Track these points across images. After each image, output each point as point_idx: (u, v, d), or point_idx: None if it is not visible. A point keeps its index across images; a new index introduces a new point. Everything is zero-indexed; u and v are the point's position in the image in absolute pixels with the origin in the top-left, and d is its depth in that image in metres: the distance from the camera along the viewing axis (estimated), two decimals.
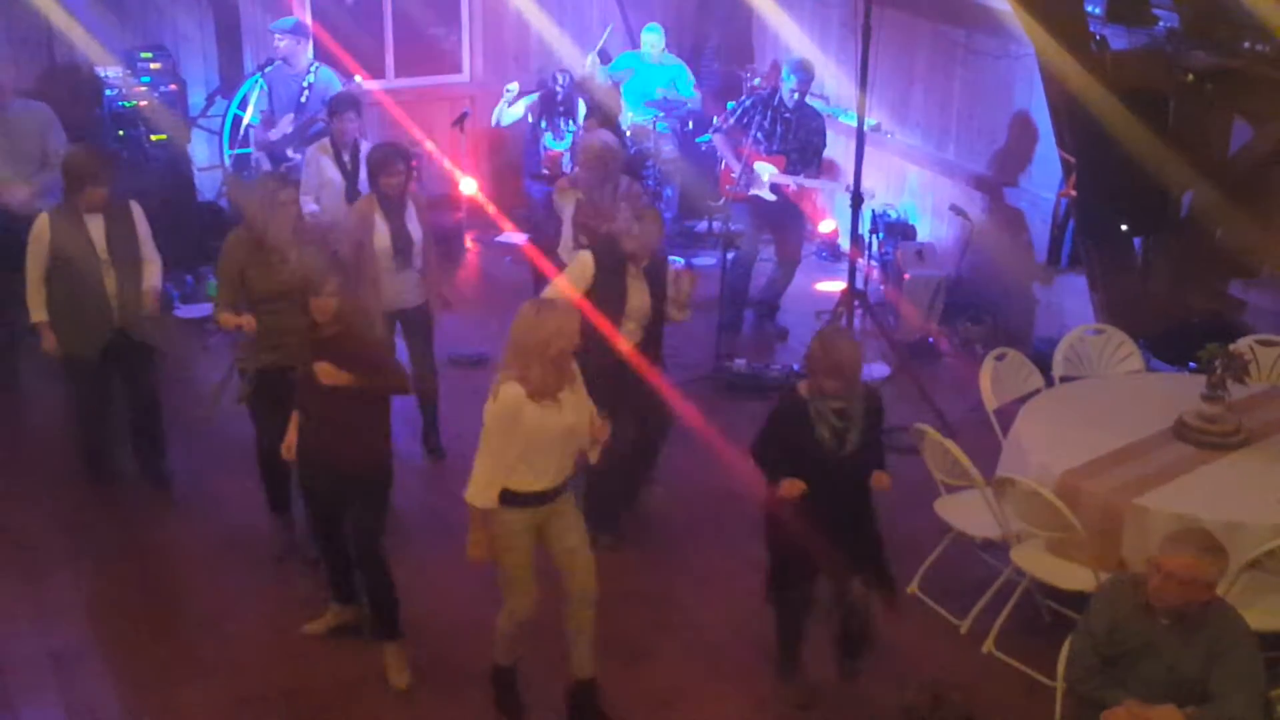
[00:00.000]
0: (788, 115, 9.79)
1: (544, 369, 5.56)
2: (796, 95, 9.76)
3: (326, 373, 5.96)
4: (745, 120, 9.89)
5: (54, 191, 8.02)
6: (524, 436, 5.59)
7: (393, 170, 7.70)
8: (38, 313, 7.50)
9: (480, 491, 5.65)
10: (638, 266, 7.21)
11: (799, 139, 9.82)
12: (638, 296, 7.23)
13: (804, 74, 9.79)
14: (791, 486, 5.72)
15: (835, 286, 10.08)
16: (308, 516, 6.54)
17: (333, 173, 8.55)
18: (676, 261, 10.83)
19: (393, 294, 7.87)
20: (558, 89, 10.88)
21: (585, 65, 11.75)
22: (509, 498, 5.67)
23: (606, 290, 7.12)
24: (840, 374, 5.72)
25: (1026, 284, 9.98)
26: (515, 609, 5.89)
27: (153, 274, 7.65)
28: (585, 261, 7.15)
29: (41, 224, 7.40)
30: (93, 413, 7.87)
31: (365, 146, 8.56)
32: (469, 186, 11.66)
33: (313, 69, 10.12)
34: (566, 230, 8.22)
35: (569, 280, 7.16)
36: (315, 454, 6.21)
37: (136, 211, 7.63)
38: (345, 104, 8.69)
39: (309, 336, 6.10)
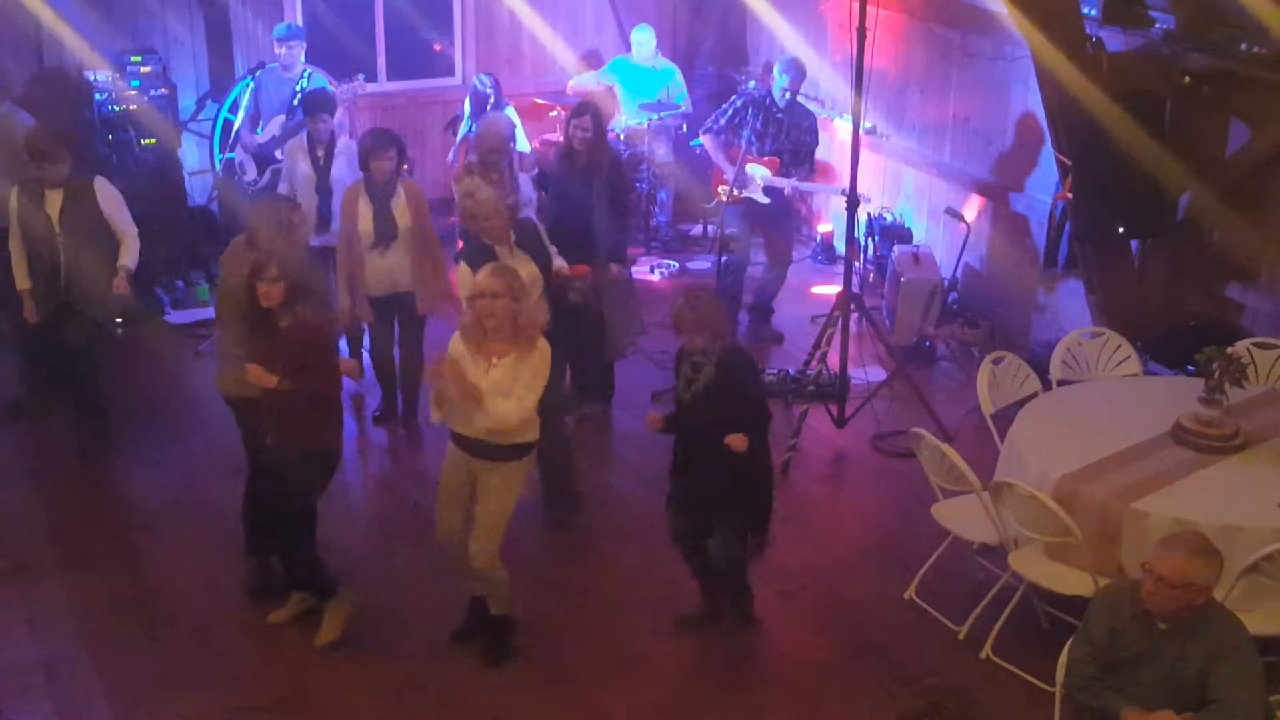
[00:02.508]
0: (780, 115, 9.75)
1: (472, 323, 6.10)
2: (788, 94, 9.73)
3: (256, 375, 6.16)
4: (737, 121, 9.86)
5: None
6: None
7: (384, 155, 8.04)
8: (20, 279, 7.92)
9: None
10: (506, 245, 7.23)
11: (792, 140, 9.79)
12: (523, 270, 7.16)
13: (796, 72, 9.75)
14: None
15: (831, 290, 10.04)
16: (247, 497, 6.88)
17: (305, 166, 8.87)
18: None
19: (377, 278, 8.21)
20: (487, 92, 10.74)
21: (570, 85, 11.72)
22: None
23: None
24: (701, 330, 6.16)
25: (1023, 287, 9.96)
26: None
27: (127, 251, 7.92)
28: (465, 273, 7.06)
29: (11, 194, 7.86)
30: (31, 345, 8.43)
31: (341, 143, 8.93)
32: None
33: (305, 74, 10.09)
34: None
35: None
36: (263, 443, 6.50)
37: (102, 189, 7.91)
38: (320, 105, 8.94)
39: (260, 324, 6.23)
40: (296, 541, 6.51)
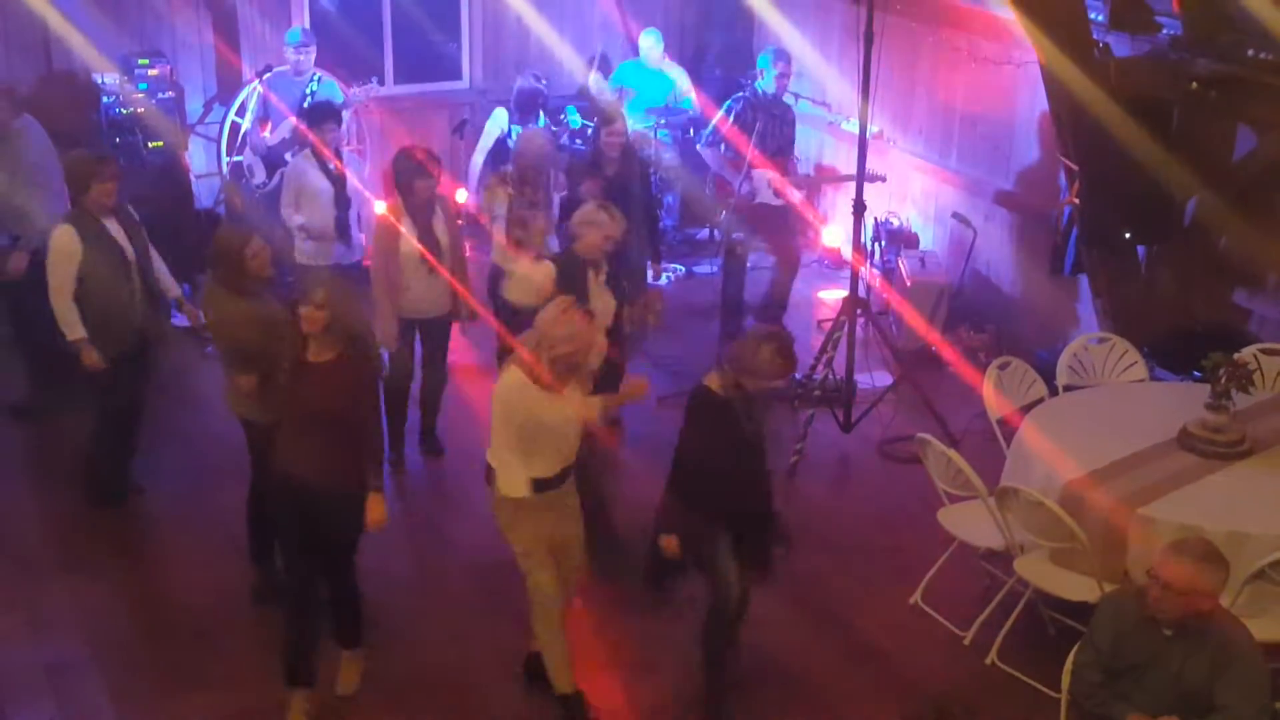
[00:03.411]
0: (776, 112, 9.71)
1: (552, 364, 5.69)
2: (778, 81, 9.64)
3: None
4: (741, 124, 9.75)
5: None
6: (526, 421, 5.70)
7: (430, 175, 7.76)
8: (75, 329, 7.27)
9: (510, 483, 5.82)
10: (599, 270, 7.20)
11: (788, 137, 9.77)
12: (600, 301, 7.20)
13: (785, 61, 9.69)
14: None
15: (837, 295, 10.03)
16: (281, 545, 6.38)
17: (321, 181, 8.53)
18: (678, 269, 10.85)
19: (430, 300, 7.97)
20: (539, 86, 10.73)
21: (589, 82, 11.71)
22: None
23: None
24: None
25: (1030, 292, 9.95)
26: (536, 593, 5.99)
27: (164, 270, 7.74)
28: (541, 274, 7.08)
29: (67, 236, 7.18)
30: (124, 425, 7.73)
31: (346, 153, 8.77)
32: (464, 194, 11.62)
33: (315, 78, 10.09)
34: (499, 234, 8.20)
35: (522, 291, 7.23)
36: (293, 477, 6.00)
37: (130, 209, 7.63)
38: (325, 115, 8.71)
39: (299, 358, 5.94)
40: (343, 581, 6.27)
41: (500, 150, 10.66)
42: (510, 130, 10.76)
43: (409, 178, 7.75)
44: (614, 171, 8.55)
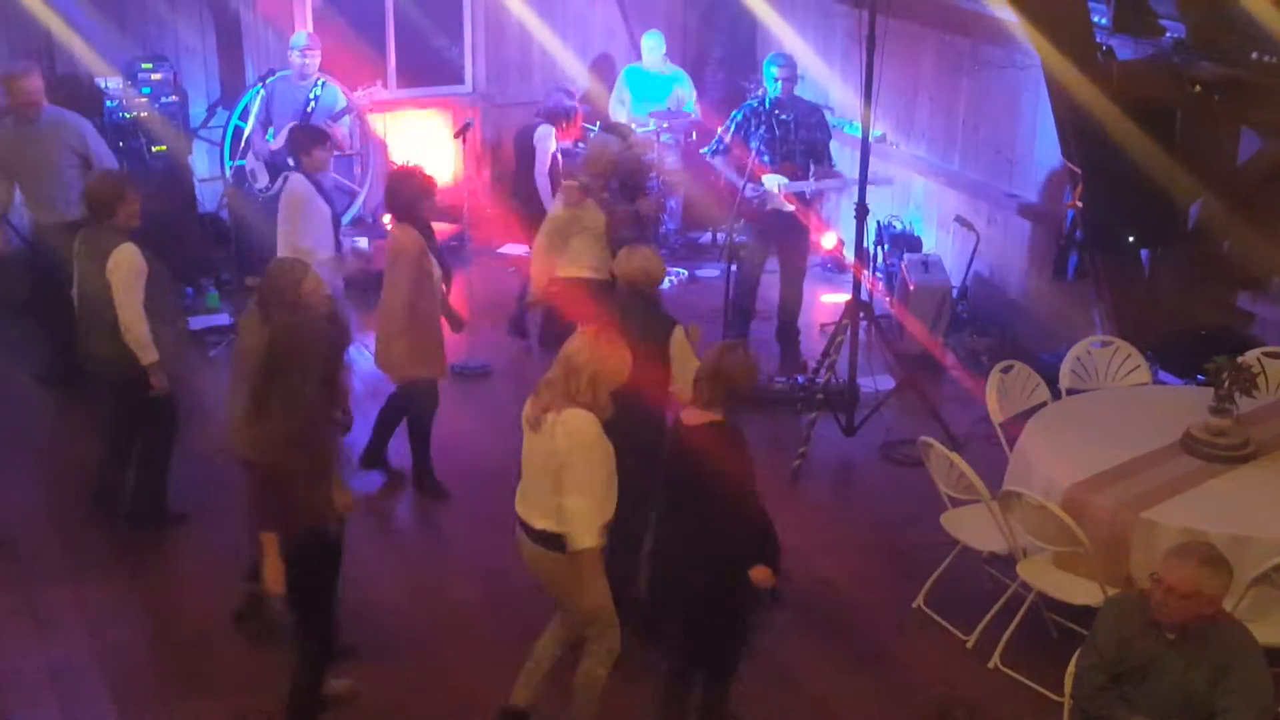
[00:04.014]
0: (783, 117, 9.66)
1: (609, 397, 5.42)
2: (781, 85, 9.56)
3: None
4: (742, 135, 9.68)
5: None
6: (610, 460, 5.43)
7: (433, 194, 7.67)
8: (151, 351, 7.13)
9: (591, 530, 5.40)
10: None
11: (801, 138, 9.64)
12: None
13: (787, 63, 9.63)
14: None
15: (839, 298, 10.02)
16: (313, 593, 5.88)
17: (321, 204, 8.27)
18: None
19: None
20: (572, 103, 10.68)
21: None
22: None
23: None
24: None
25: (1033, 296, 9.94)
26: (613, 645, 5.73)
27: None
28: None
29: (132, 254, 7.03)
30: (170, 447, 7.58)
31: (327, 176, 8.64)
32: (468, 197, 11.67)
33: (318, 82, 10.10)
34: (582, 244, 8.20)
35: None
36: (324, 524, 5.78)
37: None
38: (313, 140, 8.41)
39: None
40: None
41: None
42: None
43: (414, 201, 7.59)
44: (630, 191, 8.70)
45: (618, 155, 8.50)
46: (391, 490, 8.21)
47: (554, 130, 10.29)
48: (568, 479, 5.35)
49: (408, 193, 7.60)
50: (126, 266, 7.05)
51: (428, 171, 7.83)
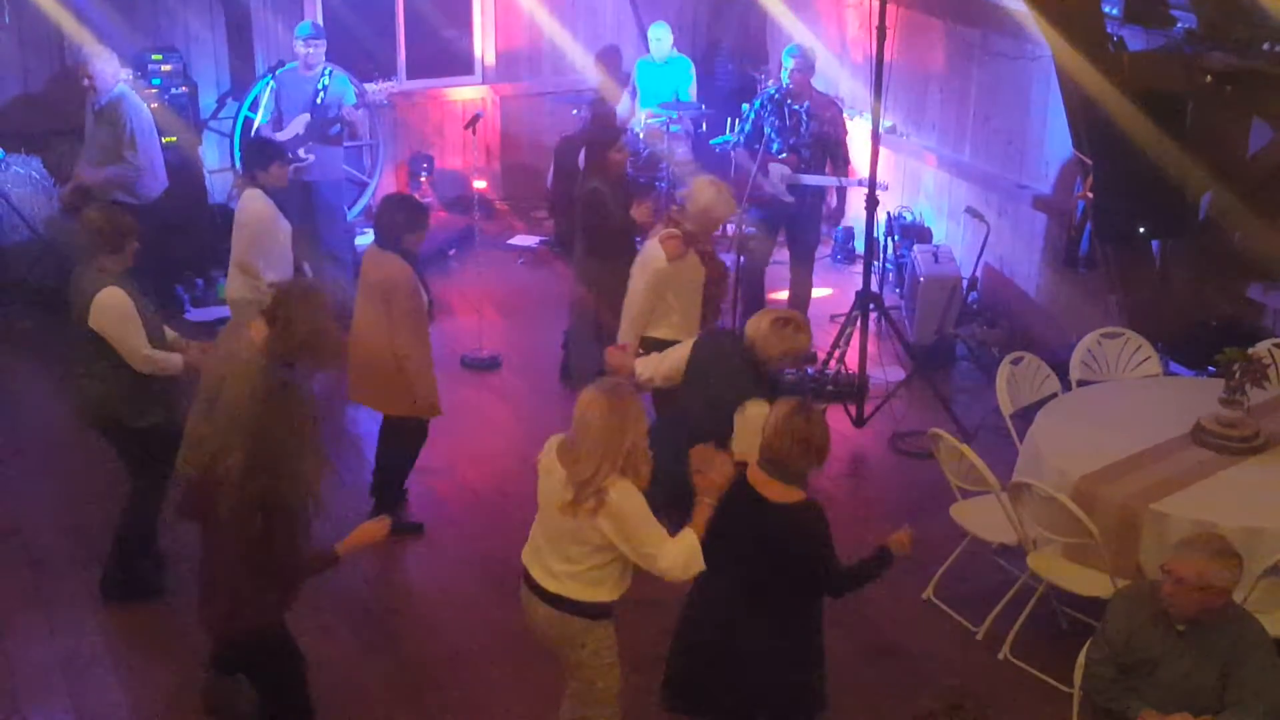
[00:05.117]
0: (795, 107, 9.65)
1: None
2: (791, 75, 9.53)
3: None
4: (759, 123, 9.72)
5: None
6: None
7: (425, 224, 7.28)
8: (168, 363, 6.68)
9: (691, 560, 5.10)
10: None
11: (810, 132, 9.64)
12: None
13: (801, 55, 9.61)
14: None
15: (850, 289, 10.02)
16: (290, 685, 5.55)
17: (283, 223, 7.79)
18: None
19: None
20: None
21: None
22: (606, 609, 5.26)
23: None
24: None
25: (1043, 287, 9.93)
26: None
27: None
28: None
29: (120, 298, 6.52)
30: (161, 497, 6.99)
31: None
32: (480, 188, 11.64)
33: (326, 71, 10.10)
34: (676, 300, 7.29)
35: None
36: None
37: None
38: (272, 154, 7.98)
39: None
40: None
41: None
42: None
43: (401, 231, 7.13)
44: (620, 188, 8.59)
45: (712, 204, 7.36)
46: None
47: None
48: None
49: (399, 221, 7.13)
50: (116, 313, 6.54)
51: (418, 200, 7.53)
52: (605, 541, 5.02)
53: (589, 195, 8.37)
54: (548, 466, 5.16)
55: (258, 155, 7.97)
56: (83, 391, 6.76)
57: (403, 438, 7.51)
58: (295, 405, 5.44)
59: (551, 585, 5.19)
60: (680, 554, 5.03)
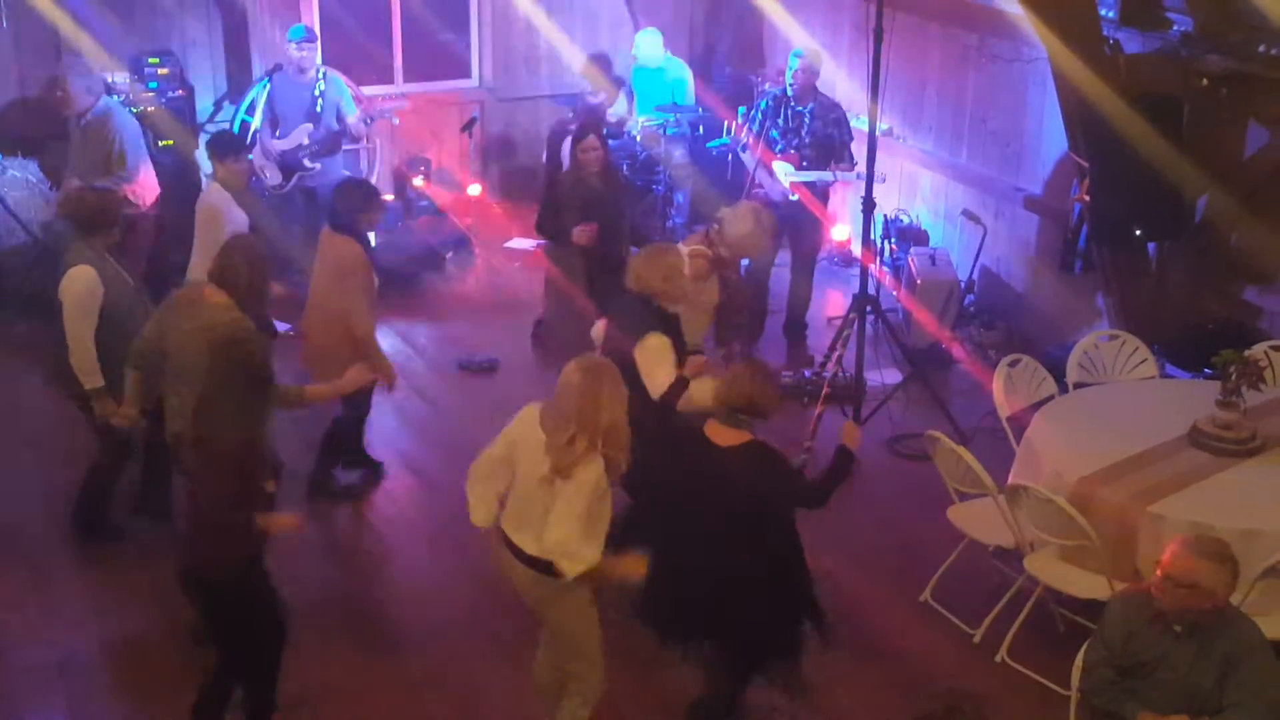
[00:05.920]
0: (798, 109, 9.66)
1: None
2: (794, 76, 9.55)
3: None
4: (764, 122, 9.71)
5: None
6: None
7: (378, 207, 7.77)
8: (95, 377, 6.80)
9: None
10: None
11: (813, 133, 9.63)
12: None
13: (807, 57, 9.61)
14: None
15: (847, 292, 10.02)
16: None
17: (238, 214, 7.99)
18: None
19: None
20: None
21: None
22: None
23: None
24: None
25: (1040, 289, 9.93)
26: (596, 688, 5.68)
27: None
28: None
29: (89, 278, 6.72)
30: (119, 466, 7.34)
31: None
32: (475, 191, 11.66)
33: (321, 74, 10.10)
34: (688, 317, 7.12)
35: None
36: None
37: None
38: (234, 146, 8.29)
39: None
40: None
41: None
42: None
43: (358, 212, 7.55)
44: (598, 184, 8.57)
45: (749, 233, 7.46)
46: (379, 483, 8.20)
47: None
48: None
49: (353, 204, 7.54)
50: (77, 291, 6.74)
51: (374, 185, 7.97)
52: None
53: (547, 182, 8.53)
54: (525, 435, 5.45)
55: (214, 146, 8.31)
56: (49, 356, 7.07)
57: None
58: (257, 342, 5.87)
59: (533, 549, 5.34)
60: (579, 551, 5.19)
